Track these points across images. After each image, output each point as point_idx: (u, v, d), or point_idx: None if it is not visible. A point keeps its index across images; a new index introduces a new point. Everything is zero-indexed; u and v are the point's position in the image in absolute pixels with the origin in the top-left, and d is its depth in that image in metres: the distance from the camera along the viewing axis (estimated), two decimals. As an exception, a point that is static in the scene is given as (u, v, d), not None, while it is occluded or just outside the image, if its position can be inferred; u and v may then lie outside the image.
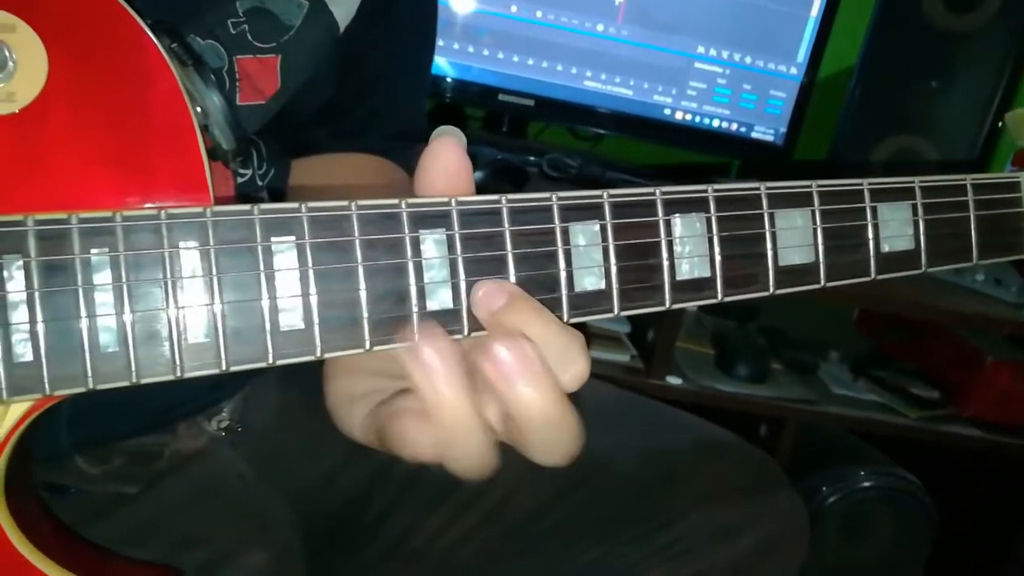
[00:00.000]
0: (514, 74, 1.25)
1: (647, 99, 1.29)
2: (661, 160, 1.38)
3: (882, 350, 1.41)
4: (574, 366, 0.33)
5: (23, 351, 0.30)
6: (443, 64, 1.23)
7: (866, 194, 0.39)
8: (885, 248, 0.40)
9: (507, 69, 1.25)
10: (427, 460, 0.35)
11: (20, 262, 0.30)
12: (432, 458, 0.34)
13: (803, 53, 1.30)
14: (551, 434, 0.33)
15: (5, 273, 0.30)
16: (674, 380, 1.16)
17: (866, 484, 1.17)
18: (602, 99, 1.28)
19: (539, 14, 1.24)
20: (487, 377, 0.31)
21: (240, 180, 0.50)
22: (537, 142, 1.37)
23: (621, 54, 1.27)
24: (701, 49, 1.28)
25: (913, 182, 0.40)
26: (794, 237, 0.38)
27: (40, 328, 0.30)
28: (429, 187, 0.33)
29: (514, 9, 1.23)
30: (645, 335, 1.18)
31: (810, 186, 0.38)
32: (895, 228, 0.40)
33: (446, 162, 0.33)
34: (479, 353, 0.31)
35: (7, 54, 0.30)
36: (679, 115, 1.30)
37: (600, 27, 1.25)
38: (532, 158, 1.21)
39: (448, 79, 1.25)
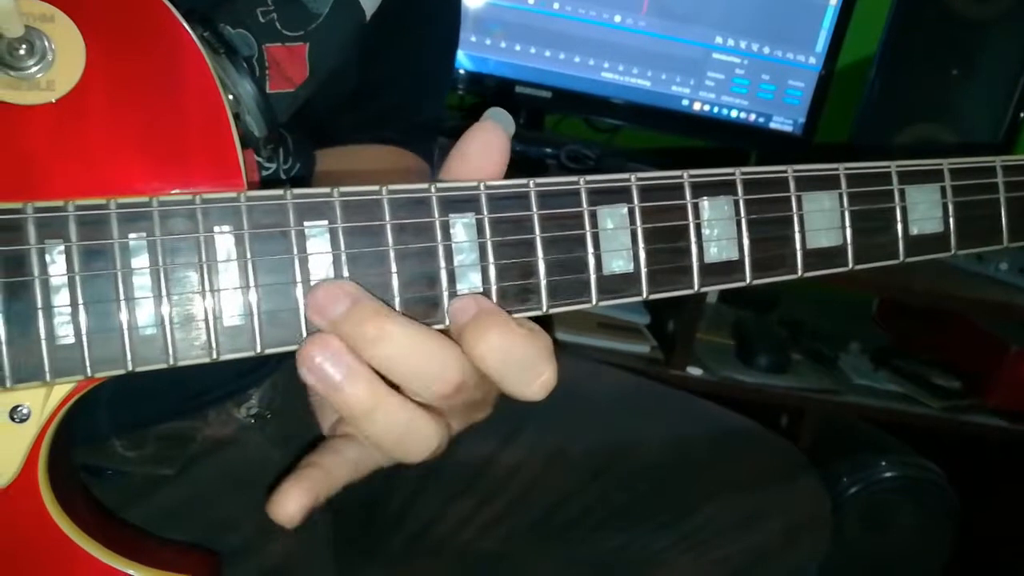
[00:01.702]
0: (531, 66, 1.25)
1: (665, 90, 1.29)
2: (678, 150, 1.38)
3: (903, 340, 1.40)
4: (538, 378, 0.32)
5: (65, 333, 0.31)
6: (460, 57, 1.23)
7: (894, 176, 0.39)
8: (914, 231, 0.40)
9: (524, 61, 1.25)
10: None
11: (62, 246, 0.30)
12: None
13: (822, 43, 1.29)
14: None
15: (47, 257, 0.30)
16: (694, 371, 1.16)
17: (887, 474, 1.16)
18: (620, 90, 1.28)
19: (556, 6, 1.23)
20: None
21: (264, 174, 0.51)
22: (554, 134, 1.37)
23: (639, 45, 1.26)
24: (719, 39, 1.28)
25: (942, 164, 0.40)
26: (822, 220, 0.38)
27: (81, 311, 0.31)
28: (465, 157, 0.33)
29: (531, 1, 1.23)
30: (665, 326, 1.18)
31: (837, 169, 0.38)
32: (924, 210, 0.40)
33: (490, 140, 0.33)
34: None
35: (47, 44, 0.31)
36: (697, 106, 1.30)
37: (617, 18, 1.25)
38: (549, 150, 1.21)
39: (464, 71, 1.25)
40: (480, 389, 0.33)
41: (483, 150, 0.33)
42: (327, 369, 0.30)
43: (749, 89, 1.30)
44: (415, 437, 0.32)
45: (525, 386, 0.32)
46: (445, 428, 0.34)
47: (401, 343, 0.31)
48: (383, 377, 0.31)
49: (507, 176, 0.34)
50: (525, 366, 0.32)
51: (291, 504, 0.33)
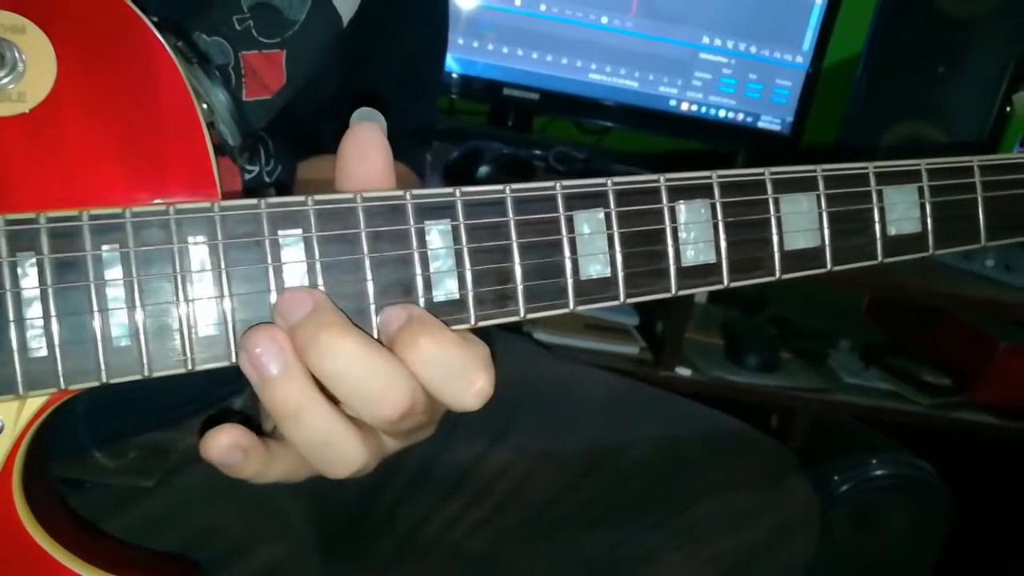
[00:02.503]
0: (519, 68, 1.26)
1: (652, 91, 1.29)
2: (667, 152, 1.38)
3: (892, 338, 1.41)
4: (473, 385, 0.32)
5: (38, 346, 0.30)
6: (448, 60, 1.23)
7: (871, 177, 0.39)
8: (892, 231, 0.40)
9: (512, 63, 1.25)
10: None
11: (34, 259, 0.30)
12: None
13: (808, 41, 1.29)
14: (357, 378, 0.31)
15: (19, 270, 0.30)
16: (684, 371, 1.16)
17: (878, 472, 1.16)
18: (608, 91, 1.28)
19: (543, 7, 1.24)
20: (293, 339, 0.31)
21: (248, 176, 0.50)
22: (543, 136, 1.37)
23: (626, 46, 1.26)
24: (706, 39, 1.28)
25: (919, 164, 0.40)
26: (800, 221, 0.38)
27: (54, 323, 0.31)
28: (350, 173, 0.33)
29: (518, 3, 1.23)
30: (654, 327, 1.18)
31: (815, 170, 0.39)
32: (902, 211, 0.40)
33: (365, 148, 0.33)
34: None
35: (17, 55, 0.31)
36: (685, 106, 1.30)
37: (604, 19, 1.25)
38: (538, 152, 1.21)
39: (453, 74, 1.25)
40: (427, 413, 0.33)
41: (358, 154, 0.33)
42: (264, 360, 0.30)
43: (736, 89, 1.31)
44: (338, 452, 0.32)
45: (460, 394, 0.31)
46: (375, 448, 0.33)
47: (350, 361, 0.30)
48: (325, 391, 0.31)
49: (496, 180, 0.34)
50: (458, 374, 0.31)
51: (225, 438, 0.32)
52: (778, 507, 0.61)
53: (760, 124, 1.33)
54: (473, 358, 0.32)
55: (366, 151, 0.33)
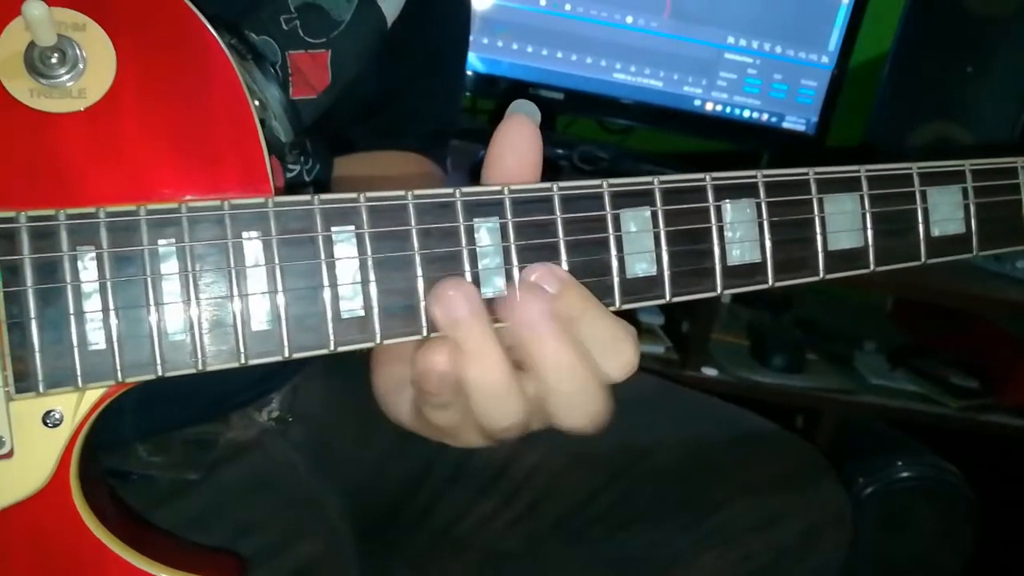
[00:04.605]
0: (543, 67, 1.26)
1: (677, 90, 1.29)
2: (690, 152, 1.37)
3: (918, 340, 1.40)
4: (622, 355, 0.33)
5: (96, 339, 0.31)
6: (472, 59, 1.24)
7: (915, 178, 0.39)
8: (935, 232, 0.40)
9: (536, 63, 1.25)
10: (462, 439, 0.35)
11: (93, 253, 0.31)
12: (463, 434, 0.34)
13: (834, 41, 1.28)
14: (572, 390, 0.33)
15: (79, 263, 0.31)
16: (709, 371, 1.15)
17: (904, 474, 1.16)
18: (632, 91, 1.28)
19: (568, 7, 1.24)
20: (511, 328, 0.32)
21: (289, 176, 0.51)
22: (566, 135, 1.37)
23: (651, 46, 1.26)
24: (731, 40, 1.27)
25: (963, 165, 0.40)
26: (843, 222, 0.38)
27: (112, 317, 0.31)
28: (499, 161, 0.33)
29: (543, 3, 1.23)
30: (679, 326, 1.18)
31: (859, 171, 0.38)
32: (945, 212, 0.40)
33: (516, 140, 0.33)
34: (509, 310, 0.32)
35: (78, 52, 0.31)
36: (709, 106, 1.30)
37: (629, 19, 1.25)
38: (561, 151, 1.21)
39: (476, 74, 1.25)
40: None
41: (512, 149, 0.33)
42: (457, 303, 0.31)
43: (761, 89, 1.30)
44: (509, 402, 0.33)
45: (611, 361, 0.33)
46: (530, 413, 0.34)
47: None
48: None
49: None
50: (611, 344, 0.32)
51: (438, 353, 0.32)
52: (809, 508, 0.61)
53: (785, 124, 1.32)
54: (625, 329, 0.33)
55: (519, 143, 0.33)
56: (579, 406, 0.33)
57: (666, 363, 1.14)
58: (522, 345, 0.32)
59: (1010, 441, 1.23)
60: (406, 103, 0.61)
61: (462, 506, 0.58)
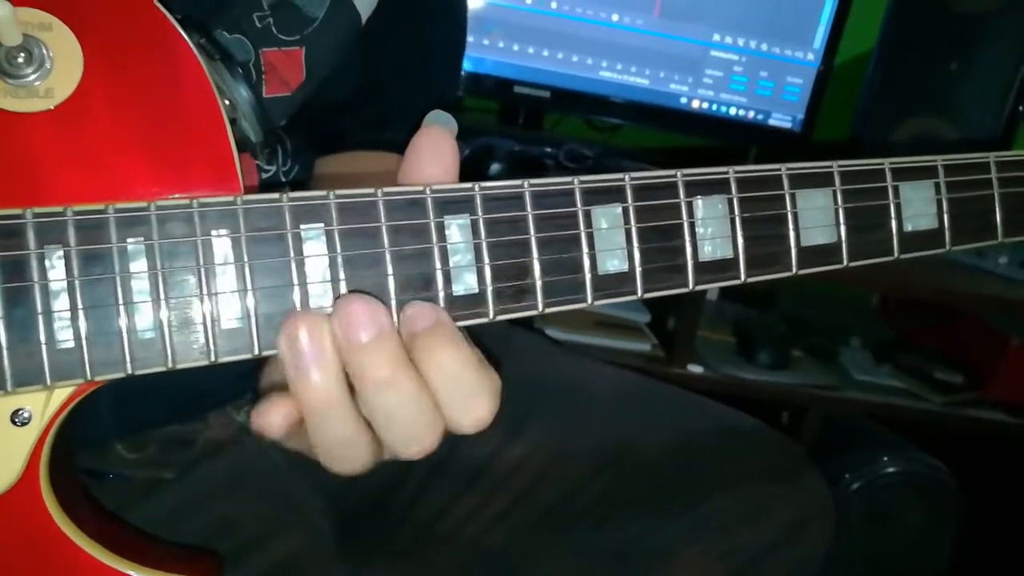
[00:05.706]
0: (530, 66, 1.26)
1: (663, 88, 1.29)
2: (678, 149, 1.38)
3: (904, 335, 1.40)
4: (476, 410, 0.32)
5: (65, 337, 0.31)
6: (459, 57, 1.24)
7: (888, 173, 0.39)
8: (908, 227, 0.40)
9: (522, 61, 1.25)
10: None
11: (61, 252, 0.31)
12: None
13: (820, 39, 1.29)
14: (400, 411, 0.32)
15: (47, 262, 0.31)
16: (695, 368, 1.16)
17: (889, 470, 1.16)
18: (618, 89, 1.28)
19: (554, 5, 1.24)
20: (337, 340, 0.31)
21: (264, 176, 0.51)
22: (553, 134, 1.37)
23: (637, 44, 1.26)
24: (717, 37, 1.28)
25: (935, 161, 0.40)
26: (816, 217, 0.38)
27: (80, 315, 0.31)
28: (421, 170, 0.33)
29: (529, 1, 1.23)
30: (665, 324, 1.18)
31: (831, 166, 0.39)
32: (918, 207, 0.40)
33: (439, 149, 0.33)
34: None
35: (44, 52, 0.31)
36: (696, 104, 1.30)
37: (615, 17, 1.25)
38: (548, 149, 1.21)
39: (463, 72, 1.25)
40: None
41: (432, 152, 0.33)
42: (305, 348, 0.30)
43: (747, 86, 1.30)
44: (353, 452, 0.32)
45: (461, 415, 0.32)
46: (379, 453, 0.34)
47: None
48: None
49: (506, 176, 0.34)
50: (466, 396, 0.32)
51: (275, 415, 0.32)
52: (793, 501, 0.62)
53: (771, 122, 1.32)
54: (486, 385, 0.32)
55: (440, 151, 0.33)
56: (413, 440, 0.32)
57: (652, 360, 1.15)
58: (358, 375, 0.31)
59: (994, 436, 1.24)
60: (390, 98, 0.61)
61: (444, 502, 0.58)
